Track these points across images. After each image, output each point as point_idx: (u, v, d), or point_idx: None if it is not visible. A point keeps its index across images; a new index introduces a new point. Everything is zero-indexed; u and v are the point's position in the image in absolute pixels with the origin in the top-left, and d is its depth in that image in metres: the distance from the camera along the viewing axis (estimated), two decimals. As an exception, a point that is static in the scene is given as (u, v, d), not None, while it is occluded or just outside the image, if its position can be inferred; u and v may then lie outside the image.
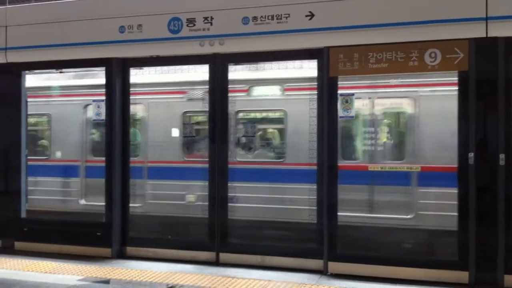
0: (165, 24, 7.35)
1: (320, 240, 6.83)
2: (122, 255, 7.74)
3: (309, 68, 7.45)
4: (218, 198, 7.32)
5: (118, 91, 7.78)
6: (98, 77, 9.51)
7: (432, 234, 7.43)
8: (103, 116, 7.84)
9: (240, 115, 8.95)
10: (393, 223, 7.80)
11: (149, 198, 8.11)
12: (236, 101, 8.02)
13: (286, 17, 6.83)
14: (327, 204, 6.73)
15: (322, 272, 6.74)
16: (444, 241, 7.05)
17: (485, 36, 6.12)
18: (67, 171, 9.93)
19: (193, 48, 7.29)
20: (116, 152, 7.75)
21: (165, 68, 8.38)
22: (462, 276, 6.19)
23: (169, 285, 6.27)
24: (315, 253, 6.86)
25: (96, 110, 7.94)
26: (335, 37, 6.70)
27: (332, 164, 6.75)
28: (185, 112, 9.24)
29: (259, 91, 8.98)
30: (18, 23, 8.16)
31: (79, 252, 7.77)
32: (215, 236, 7.34)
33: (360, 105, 8.24)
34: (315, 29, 6.74)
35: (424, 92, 8.02)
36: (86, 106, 9.95)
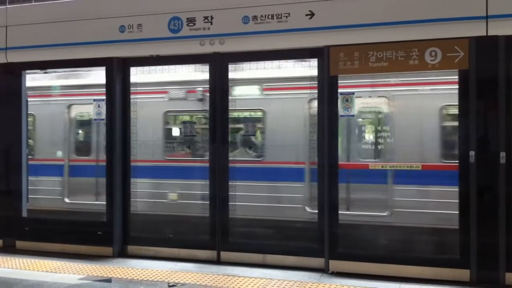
0: (166, 23, 7.35)
1: (321, 238, 6.84)
2: (123, 254, 7.75)
3: (286, 68, 7.50)
4: (219, 197, 7.34)
5: (118, 91, 7.79)
6: (82, 77, 9.58)
7: (407, 231, 7.45)
8: (97, 116, 7.93)
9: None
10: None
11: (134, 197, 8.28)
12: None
13: (286, 16, 6.84)
14: (328, 202, 6.74)
15: (323, 270, 6.75)
16: (422, 239, 7.11)
17: (485, 34, 6.13)
18: (51, 170, 9.95)
19: (193, 48, 7.30)
20: (116, 152, 7.76)
21: (146, 68, 8.45)
22: (464, 274, 6.20)
23: (171, 284, 6.27)
24: (316, 252, 6.88)
25: (96, 110, 7.95)
26: (335, 36, 6.70)
27: (332, 163, 6.76)
28: (167, 111, 9.35)
29: (239, 91, 9.07)
30: (19, 23, 8.17)
31: (80, 251, 7.79)
32: (216, 235, 7.36)
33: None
34: (315, 28, 6.74)
35: (398, 92, 8.11)
36: (69, 106, 10.10)
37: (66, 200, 10.04)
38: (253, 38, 7.01)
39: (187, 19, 7.27)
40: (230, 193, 7.37)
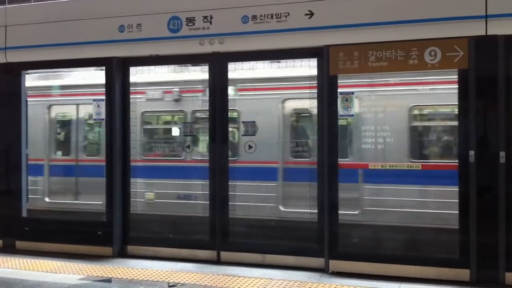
0: (165, 23, 7.35)
1: (320, 238, 6.84)
2: (123, 254, 7.76)
3: (263, 69, 7.56)
4: (219, 197, 7.34)
5: (118, 91, 7.79)
6: (62, 78, 9.59)
7: (375, 229, 7.51)
8: (96, 116, 7.94)
9: (197, 114, 9.11)
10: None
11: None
12: (194, 101, 8.17)
13: (286, 16, 6.83)
14: (328, 202, 6.74)
15: (323, 270, 6.75)
16: (391, 236, 7.16)
17: (484, 34, 6.12)
18: (31, 170, 9.95)
19: (193, 47, 7.29)
20: (116, 152, 7.75)
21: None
22: (463, 274, 6.20)
23: (171, 284, 6.27)
24: (316, 252, 6.88)
25: (95, 110, 7.95)
26: (334, 35, 6.70)
27: (332, 162, 6.75)
28: (144, 111, 9.42)
29: None
30: (18, 23, 8.16)
31: (80, 251, 7.79)
32: (216, 235, 7.36)
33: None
34: (315, 27, 6.74)
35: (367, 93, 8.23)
36: (49, 106, 10.19)
37: (46, 199, 10.16)
38: (253, 37, 7.00)
39: (187, 18, 7.26)
40: (230, 193, 7.38)
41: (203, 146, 9.03)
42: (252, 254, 7.20)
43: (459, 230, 6.31)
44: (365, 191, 8.04)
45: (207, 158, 7.54)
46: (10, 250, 8.16)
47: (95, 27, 7.71)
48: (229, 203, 7.31)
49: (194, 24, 7.24)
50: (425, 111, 8.25)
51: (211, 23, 7.17)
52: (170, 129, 10.05)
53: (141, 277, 6.61)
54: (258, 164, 8.41)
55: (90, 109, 8.64)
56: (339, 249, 6.73)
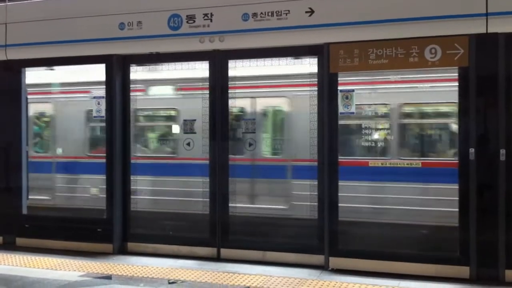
0: (165, 20, 7.35)
1: (321, 235, 6.85)
2: (123, 251, 7.77)
3: (202, 70, 7.73)
4: (219, 194, 7.35)
5: (118, 88, 7.79)
6: (38, 76, 9.58)
7: (299, 224, 7.60)
8: (96, 113, 8.00)
9: (138, 113, 9.19)
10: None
11: (57, 191, 8.56)
12: (137, 100, 8.20)
13: (286, 14, 6.83)
14: (328, 200, 6.75)
15: (323, 267, 6.76)
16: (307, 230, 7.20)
17: (485, 32, 6.12)
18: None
19: (193, 45, 7.30)
20: (116, 149, 7.76)
21: (73, 67, 8.67)
22: (463, 271, 6.21)
23: (171, 281, 6.28)
24: (316, 249, 6.89)
25: (96, 107, 7.97)
26: (335, 33, 6.70)
27: (333, 160, 6.76)
28: (89, 110, 9.43)
29: (155, 91, 9.55)
30: (18, 20, 8.16)
31: (80, 248, 7.81)
32: (216, 232, 7.37)
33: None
34: (315, 25, 6.74)
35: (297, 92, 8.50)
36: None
37: None
38: (253, 35, 7.01)
39: (187, 16, 7.26)
40: (230, 190, 7.42)
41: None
42: (252, 251, 7.21)
43: (459, 228, 6.31)
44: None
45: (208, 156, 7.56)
46: (10, 247, 8.16)
47: (95, 25, 7.70)
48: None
49: (194, 21, 7.24)
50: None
51: (211, 20, 7.17)
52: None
53: (141, 274, 6.62)
54: (192, 160, 8.63)
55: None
56: (339, 247, 6.74)
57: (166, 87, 9.70)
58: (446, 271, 6.29)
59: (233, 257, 7.26)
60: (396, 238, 6.91)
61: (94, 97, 8.03)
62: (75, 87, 9.97)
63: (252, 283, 6.18)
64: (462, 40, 6.22)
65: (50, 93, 10.20)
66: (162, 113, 9.99)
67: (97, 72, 8.05)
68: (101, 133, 9.80)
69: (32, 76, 8.79)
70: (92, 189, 9.59)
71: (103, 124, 8.16)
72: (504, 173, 6.10)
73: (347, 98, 6.82)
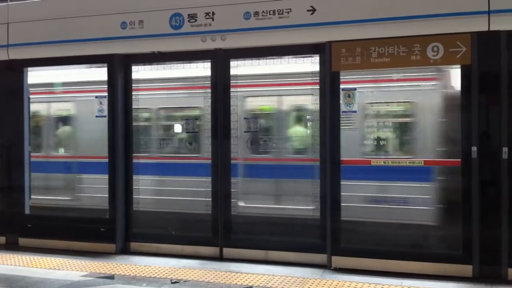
0: (167, 19, 7.34)
1: (323, 235, 6.84)
2: (126, 251, 7.77)
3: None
4: (221, 194, 7.35)
5: (120, 88, 7.79)
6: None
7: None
8: (99, 112, 8.03)
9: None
10: None
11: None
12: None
13: (288, 12, 6.82)
14: (330, 199, 6.74)
15: (325, 266, 6.76)
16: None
17: (487, 29, 6.10)
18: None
19: (195, 44, 7.29)
20: (118, 149, 7.76)
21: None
22: (466, 269, 6.20)
23: (173, 280, 6.29)
24: (318, 248, 6.88)
25: (98, 107, 7.99)
26: (337, 31, 6.69)
27: (335, 159, 6.75)
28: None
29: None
30: (20, 20, 8.16)
31: (83, 248, 7.82)
32: (219, 232, 7.37)
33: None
34: (317, 24, 6.72)
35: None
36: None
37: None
38: (255, 34, 7.00)
39: (189, 15, 7.26)
40: (233, 189, 7.44)
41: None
42: (255, 251, 7.21)
43: (461, 226, 6.30)
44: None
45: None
46: (13, 247, 8.18)
47: (97, 24, 7.70)
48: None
49: (196, 20, 7.24)
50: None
51: (213, 19, 7.16)
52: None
53: (144, 273, 6.63)
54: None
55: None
56: (341, 246, 6.73)
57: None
58: (448, 270, 6.28)
59: (235, 257, 7.26)
60: (398, 237, 6.90)
61: (96, 97, 8.03)
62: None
63: (255, 282, 6.18)
64: (464, 38, 6.20)
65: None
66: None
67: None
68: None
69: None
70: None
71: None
72: (507, 171, 6.09)
73: (349, 96, 6.81)
